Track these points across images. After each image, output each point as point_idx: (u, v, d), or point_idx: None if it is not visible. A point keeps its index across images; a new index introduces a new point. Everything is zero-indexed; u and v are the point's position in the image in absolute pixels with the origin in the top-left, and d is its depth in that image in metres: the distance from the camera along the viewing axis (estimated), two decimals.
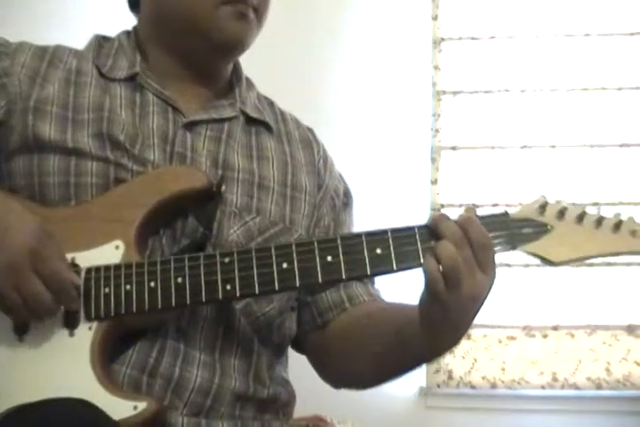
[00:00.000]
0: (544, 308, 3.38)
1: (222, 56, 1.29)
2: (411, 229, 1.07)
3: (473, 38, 3.64)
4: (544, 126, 3.53)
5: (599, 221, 1.07)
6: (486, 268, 1.03)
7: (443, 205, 3.53)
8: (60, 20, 3.35)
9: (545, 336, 3.40)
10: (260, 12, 1.25)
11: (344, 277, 1.07)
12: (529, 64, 3.57)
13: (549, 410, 3.32)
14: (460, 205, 3.53)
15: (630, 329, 3.36)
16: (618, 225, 1.07)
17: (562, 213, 1.08)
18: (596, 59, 3.55)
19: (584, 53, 3.56)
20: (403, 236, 1.06)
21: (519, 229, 1.07)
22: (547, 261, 1.07)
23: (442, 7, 3.67)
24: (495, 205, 3.50)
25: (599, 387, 3.32)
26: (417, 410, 3.29)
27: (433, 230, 1.05)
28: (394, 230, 1.07)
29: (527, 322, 3.40)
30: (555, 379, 3.35)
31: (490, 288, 1.05)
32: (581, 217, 1.08)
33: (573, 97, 3.54)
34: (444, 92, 3.62)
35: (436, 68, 3.63)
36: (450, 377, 3.38)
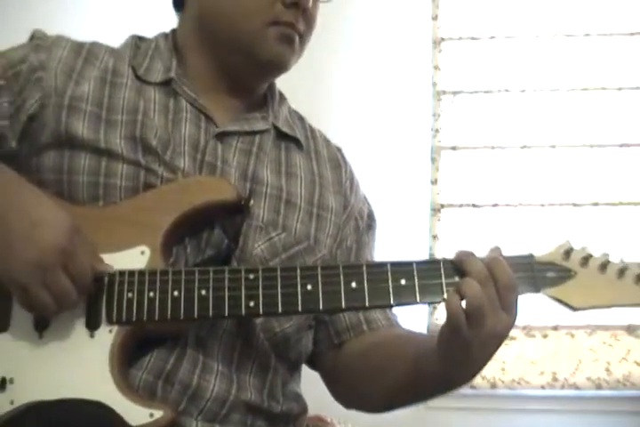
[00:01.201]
0: (544, 308, 3.36)
1: (262, 75, 1.28)
2: (436, 262, 1.08)
3: (473, 38, 3.64)
4: (544, 126, 3.53)
5: (622, 271, 1.09)
6: (510, 308, 1.05)
7: (443, 205, 3.53)
8: (60, 20, 3.35)
9: (545, 336, 3.40)
10: (303, 38, 1.25)
11: (367, 304, 1.07)
12: (529, 64, 3.58)
13: (549, 410, 3.32)
14: (461, 206, 3.53)
15: (630, 329, 3.36)
16: None
17: (586, 260, 1.10)
18: (596, 59, 3.55)
19: (584, 53, 3.56)
20: (427, 268, 1.08)
21: (543, 273, 1.09)
22: (567, 306, 1.09)
23: (442, 7, 3.68)
24: (495, 205, 3.50)
25: (599, 387, 3.32)
26: (417, 410, 3.25)
27: (458, 266, 1.06)
28: (419, 263, 1.08)
29: (527, 322, 3.40)
30: (555, 379, 3.35)
31: (512, 327, 1.06)
32: (605, 266, 1.10)
33: (573, 97, 3.54)
34: (444, 92, 3.62)
35: (436, 68, 3.63)
36: None
